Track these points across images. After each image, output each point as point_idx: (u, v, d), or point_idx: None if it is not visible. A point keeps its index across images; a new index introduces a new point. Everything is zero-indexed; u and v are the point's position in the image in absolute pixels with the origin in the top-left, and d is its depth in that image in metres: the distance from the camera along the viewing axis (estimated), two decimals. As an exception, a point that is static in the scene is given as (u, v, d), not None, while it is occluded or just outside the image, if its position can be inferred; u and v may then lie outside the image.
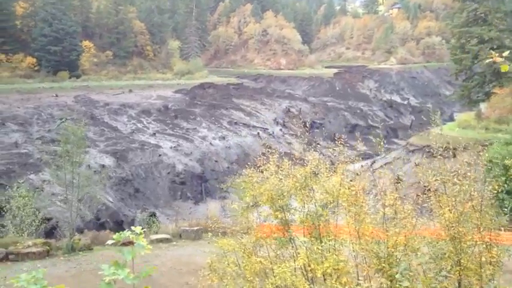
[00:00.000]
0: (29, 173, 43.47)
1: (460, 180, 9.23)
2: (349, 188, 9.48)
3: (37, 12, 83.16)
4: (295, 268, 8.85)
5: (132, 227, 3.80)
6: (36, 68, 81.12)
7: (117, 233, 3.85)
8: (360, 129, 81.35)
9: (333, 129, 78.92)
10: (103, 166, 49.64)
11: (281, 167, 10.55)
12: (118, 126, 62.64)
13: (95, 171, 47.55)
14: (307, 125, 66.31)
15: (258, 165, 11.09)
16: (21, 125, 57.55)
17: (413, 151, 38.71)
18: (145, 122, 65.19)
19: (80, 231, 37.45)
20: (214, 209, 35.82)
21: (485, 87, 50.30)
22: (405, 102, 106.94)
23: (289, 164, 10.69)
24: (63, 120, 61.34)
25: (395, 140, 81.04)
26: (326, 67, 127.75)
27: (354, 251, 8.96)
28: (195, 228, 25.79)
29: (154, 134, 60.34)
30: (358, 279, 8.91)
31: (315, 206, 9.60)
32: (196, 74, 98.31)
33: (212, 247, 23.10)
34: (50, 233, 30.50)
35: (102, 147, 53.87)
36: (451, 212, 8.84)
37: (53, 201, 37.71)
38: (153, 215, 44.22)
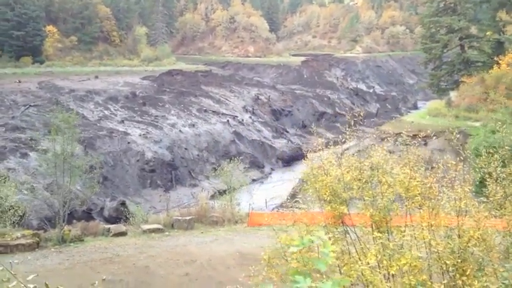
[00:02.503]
0: (-7, 161, 42.29)
1: None
2: (421, 181, 9.03)
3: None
4: (373, 265, 8.27)
5: (316, 233, 3.26)
6: (-3, 54, 78.67)
7: (299, 240, 3.28)
8: (327, 116, 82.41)
9: (302, 116, 79.58)
10: (71, 154, 48.65)
11: (343, 159, 10.11)
12: (85, 113, 61.42)
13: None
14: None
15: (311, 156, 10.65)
16: (-17, 112, 55.85)
17: (384, 138, 39.39)
18: (112, 109, 64.18)
19: (48, 220, 36.85)
20: (203, 197, 35.54)
21: (454, 76, 51.54)
22: (371, 91, 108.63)
23: (352, 156, 10.19)
24: (28, 106, 59.89)
25: (362, 128, 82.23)
26: (293, 55, 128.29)
27: (428, 246, 8.54)
28: (187, 217, 25.58)
29: (123, 121, 59.50)
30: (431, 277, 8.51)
31: (386, 199, 9.14)
32: (164, 61, 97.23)
33: (206, 237, 22.98)
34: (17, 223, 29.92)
35: (69, 135, 52.71)
36: None
37: (20, 190, 36.92)
38: (123, 203, 43.81)
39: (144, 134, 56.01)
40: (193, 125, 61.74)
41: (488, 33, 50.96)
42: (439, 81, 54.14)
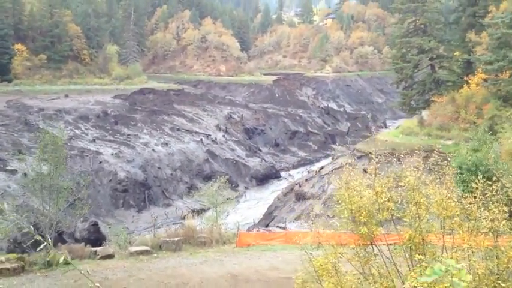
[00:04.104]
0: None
1: None
2: (459, 201, 9.05)
3: (-35, 13, 78.66)
4: None
5: (446, 260, 2.95)
6: (-36, 72, 76.59)
7: (430, 269, 2.91)
8: (299, 135, 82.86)
9: (274, 135, 79.84)
10: (41, 174, 47.43)
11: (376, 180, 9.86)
12: (54, 132, 60.12)
13: (32, 179, 45.50)
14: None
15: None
16: (-51, 131, 54.12)
17: (360, 157, 39.75)
18: (83, 128, 63.09)
19: (18, 242, 35.62)
20: (190, 216, 34.93)
21: (425, 95, 52.47)
22: (341, 109, 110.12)
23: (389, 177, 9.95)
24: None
25: (334, 146, 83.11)
26: (264, 74, 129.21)
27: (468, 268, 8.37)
28: (176, 238, 25.01)
29: (94, 140, 58.53)
30: None
31: (425, 220, 9.10)
32: (136, 80, 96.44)
33: (195, 258, 22.58)
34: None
35: (39, 154, 51.42)
36: None
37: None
38: (95, 224, 42.86)
39: (116, 154, 55.17)
40: (167, 144, 61.18)
41: (456, 53, 52.26)
42: (411, 100, 55.11)
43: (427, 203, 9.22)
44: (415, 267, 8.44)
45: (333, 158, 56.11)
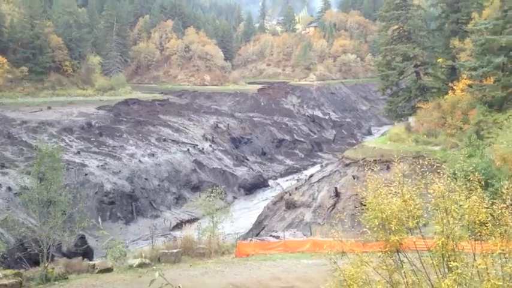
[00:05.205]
0: None
1: None
2: (490, 208, 9.07)
3: None
4: None
5: None
6: None
7: None
8: (286, 143, 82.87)
9: (261, 144, 79.68)
10: (25, 188, 46.51)
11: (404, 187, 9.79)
12: (38, 145, 59.19)
13: (15, 193, 44.67)
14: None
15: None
16: None
17: (349, 164, 39.69)
18: (67, 140, 62.19)
19: (4, 257, 34.79)
20: (187, 227, 34.51)
21: (411, 102, 52.75)
22: (326, 117, 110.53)
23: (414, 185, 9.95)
24: (-23, 139, 57.15)
25: (320, 154, 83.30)
26: (249, 83, 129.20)
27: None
28: (174, 250, 24.69)
29: (79, 152, 57.70)
30: None
31: (457, 227, 9.07)
32: (120, 90, 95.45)
33: (195, 270, 22.16)
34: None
35: (23, 168, 50.50)
36: None
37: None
38: (82, 237, 42.05)
39: (102, 165, 54.46)
40: (153, 155, 60.59)
41: (439, 60, 52.64)
42: (397, 107, 55.38)
43: (458, 210, 9.21)
44: (448, 275, 8.45)
45: (321, 166, 56.11)
